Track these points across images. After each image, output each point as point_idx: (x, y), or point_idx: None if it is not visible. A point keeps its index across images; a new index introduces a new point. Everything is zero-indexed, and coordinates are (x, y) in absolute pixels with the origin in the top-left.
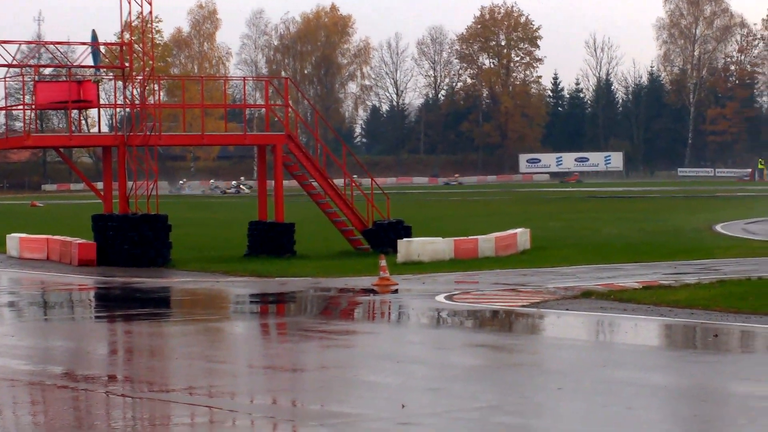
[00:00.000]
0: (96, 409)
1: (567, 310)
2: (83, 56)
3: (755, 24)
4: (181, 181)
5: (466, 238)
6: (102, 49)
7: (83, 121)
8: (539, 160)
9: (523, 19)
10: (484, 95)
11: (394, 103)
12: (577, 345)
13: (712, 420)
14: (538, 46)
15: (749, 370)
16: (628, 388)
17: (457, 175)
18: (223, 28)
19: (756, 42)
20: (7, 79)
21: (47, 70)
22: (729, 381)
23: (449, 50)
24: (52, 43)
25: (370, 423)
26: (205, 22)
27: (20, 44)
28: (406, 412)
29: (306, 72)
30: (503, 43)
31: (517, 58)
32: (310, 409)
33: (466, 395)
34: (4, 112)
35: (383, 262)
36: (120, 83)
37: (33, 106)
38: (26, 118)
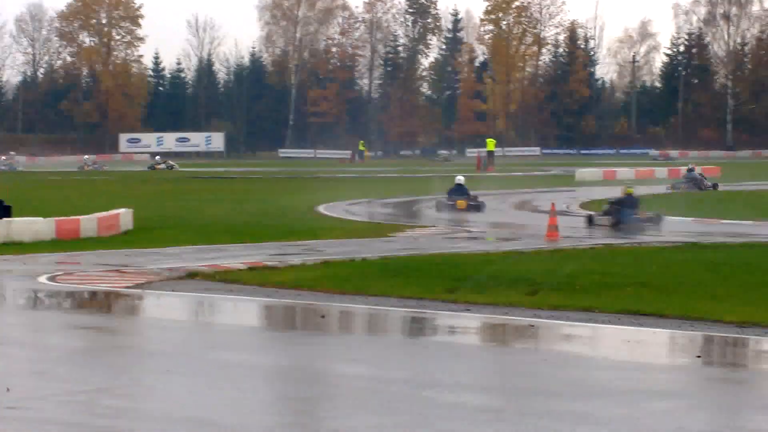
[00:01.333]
0: None
1: (172, 291)
2: None
3: (357, 7)
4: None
5: (68, 218)
6: None
7: None
8: (140, 140)
9: None
10: (85, 74)
11: None
12: (184, 326)
13: (320, 400)
14: (139, 26)
15: (356, 350)
16: (237, 370)
17: (12, 153)
18: None
19: (357, 25)
20: None
21: None
22: (337, 362)
23: (49, 27)
24: None
25: None
26: None
27: None
28: (12, 395)
29: None
30: (104, 22)
31: (119, 37)
32: None
33: (73, 378)
34: None
35: None
36: None
37: None
38: None
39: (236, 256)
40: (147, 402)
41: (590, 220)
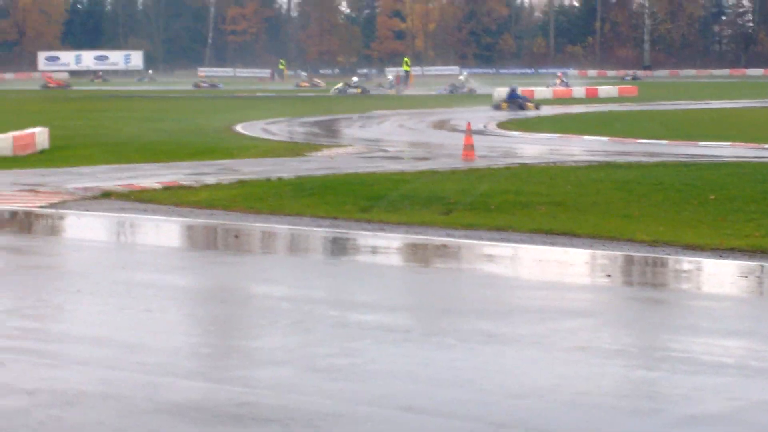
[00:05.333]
0: None
1: (86, 210)
2: None
3: None
4: None
5: None
6: None
7: None
8: (58, 58)
9: None
10: None
11: None
12: (97, 246)
13: (233, 320)
14: None
15: (269, 270)
16: (148, 290)
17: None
18: None
19: None
20: None
21: None
22: (249, 281)
23: None
24: None
25: None
26: None
27: None
28: None
29: None
30: None
31: None
32: None
33: None
34: None
35: None
36: None
37: None
38: None
39: (151, 176)
40: (55, 323)
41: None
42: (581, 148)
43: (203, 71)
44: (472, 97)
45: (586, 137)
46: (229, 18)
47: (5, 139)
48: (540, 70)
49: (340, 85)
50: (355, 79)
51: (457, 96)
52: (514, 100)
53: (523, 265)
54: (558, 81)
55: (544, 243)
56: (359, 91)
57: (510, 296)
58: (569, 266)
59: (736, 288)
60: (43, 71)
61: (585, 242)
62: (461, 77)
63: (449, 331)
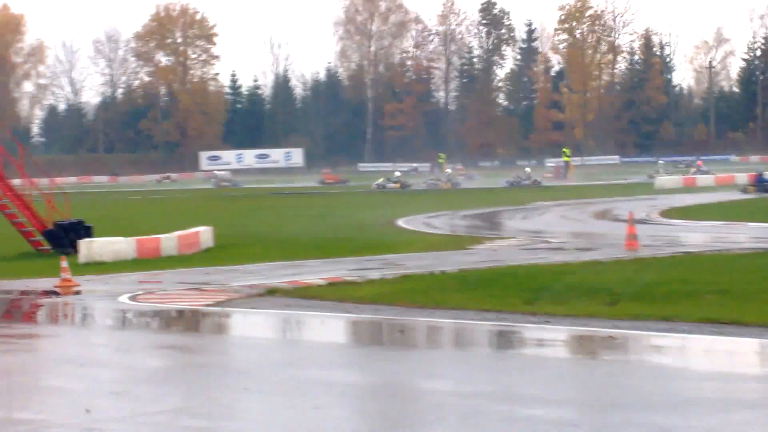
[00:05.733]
0: None
1: (252, 308)
2: None
3: (430, 20)
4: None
5: (148, 237)
6: None
7: None
8: (220, 158)
9: (199, 17)
10: (162, 93)
11: (71, 101)
12: (264, 344)
13: (401, 417)
14: (214, 44)
15: (435, 365)
16: (316, 387)
17: (169, 175)
18: None
19: (431, 38)
20: None
21: None
22: (416, 377)
23: (125, 48)
24: None
25: (56, 429)
26: None
27: None
28: (91, 417)
29: None
30: (180, 41)
31: (194, 56)
32: None
33: (152, 398)
34: None
35: (64, 263)
36: None
37: None
38: None
39: (315, 272)
40: (224, 421)
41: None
42: (747, 236)
43: (327, 171)
44: (637, 186)
45: (752, 224)
46: (387, 113)
47: (171, 238)
48: (702, 157)
49: (381, 180)
50: (397, 173)
51: (620, 186)
52: (762, 184)
53: (692, 355)
54: (694, 169)
55: (712, 332)
56: (398, 186)
57: (680, 388)
58: (739, 356)
59: None
60: (205, 170)
61: (754, 331)
62: (527, 169)
63: (620, 425)
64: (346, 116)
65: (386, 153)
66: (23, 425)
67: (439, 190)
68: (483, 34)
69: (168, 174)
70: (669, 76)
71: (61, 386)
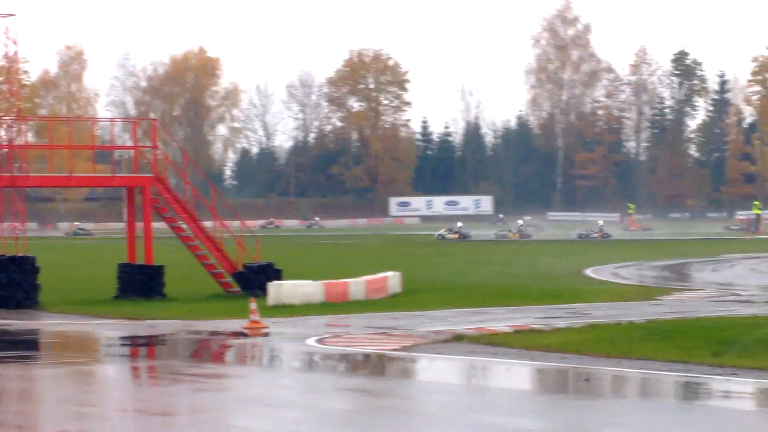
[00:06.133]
0: None
1: (438, 353)
2: None
3: (622, 69)
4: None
5: (336, 281)
6: None
7: None
8: (409, 204)
9: (391, 62)
10: (354, 138)
11: (264, 145)
12: (449, 389)
13: None
14: (406, 90)
15: (621, 414)
16: None
17: (317, 218)
18: (91, 69)
19: (622, 87)
20: None
21: None
22: (601, 426)
23: (318, 93)
24: None
25: None
26: (73, 62)
27: None
28: None
29: (175, 114)
30: (372, 87)
31: (386, 102)
32: None
33: None
34: None
35: (253, 305)
36: None
37: None
38: None
39: (501, 319)
40: None
41: None
42: None
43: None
44: None
45: None
46: (578, 162)
47: (359, 283)
48: None
49: (442, 230)
50: (459, 224)
51: None
52: None
53: None
54: None
55: None
56: (456, 236)
57: None
58: None
59: None
60: (394, 216)
61: None
62: (600, 222)
63: None
64: (537, 165)
65: (576, 202)
66: None
67: (509, 240)
68: (675, 85)
69: (315, 219)
70: None
71: (248, 426)
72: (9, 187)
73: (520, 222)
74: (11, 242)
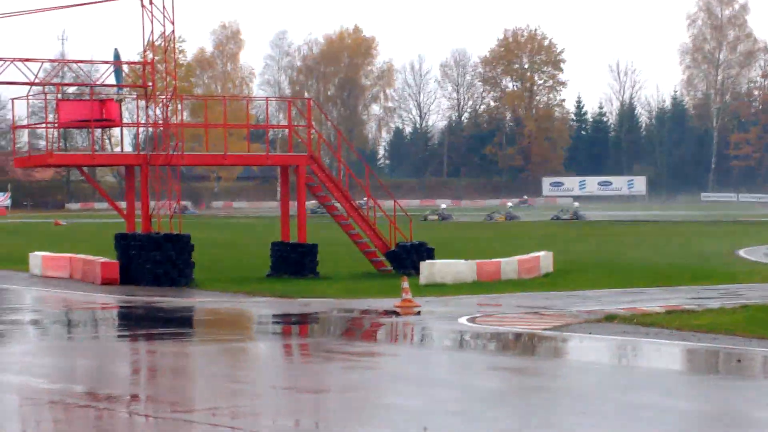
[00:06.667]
0: (118, 429)
1: (590, 333)
2: (106, 75)
3: None
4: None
5: (488, 260)
6: (125, 68)
7: (106, 140)
8: (562, 184)
9: (546, 43)
10: (508, 118)
11: (418, 125)
12: (600, 369)
13: None
14: (561, 70)
15: None
16: (652, 413)
17: (525, 197)
18: (246, 49)
19: None
20: (30, 98)
21: (70, 89)
22: (753, 407)
23: (472, 73)
24: (75, 61)
25: None
26: (229, 42)
27: (43, 62)
28: None
29: (329, 93)
30: (526, 66)
31: (541, 82)
32: (334, 431)
33: (489, 418)
34: (27, 130)
35: (406, 284)
36: (143, 102)
37: (56, 125)
38: (49, 136)
39: (654, 300)
40: None
41: None
42: None
43: (509, 201)
44: None
45: None
46: (732, 143)
47: (511, 262)
48: None
49: (428, 212)
50: (443, 206)
51: None
52: None
53: None
54: None
55: None
56: (437, 218)
57: None
58: None
59: None
60: (547, 196)
61: None
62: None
63: None
64: (691, 145)
65: (730, 183)
66: None
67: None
68: None
69: (524, 197)
70: None
71: (399, 404)
72: (164, 166)
73: (510, 204)
74: (166, 220)
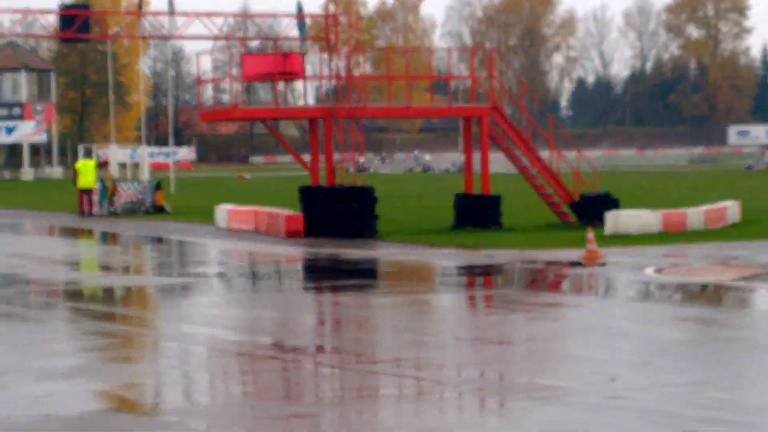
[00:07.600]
0: (305, 380)
1: None
2: (289, 28)
3: None
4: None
5: (674, 210)
6: (307, 21)
7: (289, 94)
8: (749, 132)
9: None
10: (692, 66)
11: (600, 74)
12: None
13: None
14: (746, 16)
15: None
16: None
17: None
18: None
19: None
20: (214, 52)
21: (254, 43)
22: None
23: (656, 21)
24: (258, 15)
25: (579, 396)
26: None
27: (227, 17)
28: (615, 385)
29: (510, 43)
30: (711, 14)
31: (726, 29)
32: (518, 381)
33: (675, 370)
34: (211, 84)
35: (590, 235)
36: (325, 55)
37: (240, 79)
38: (233, 90)
39: None
40: (750, 395)
41: None
42: None
43: (428, 156)
44: None
45: None
46: None
47: (697, 212)
48: None
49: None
50: (427, 157)
51: None
52: None
53: None
54: None
55: None
56: (420, 170)
57: None
58: None
59: None
60: (733, 146)
61: None
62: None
63: None
64: None
65: None
66: (548, 391)
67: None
68: None
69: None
70: None
71: (584, 355)
72: (347, 118)
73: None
74: (350, 173)
